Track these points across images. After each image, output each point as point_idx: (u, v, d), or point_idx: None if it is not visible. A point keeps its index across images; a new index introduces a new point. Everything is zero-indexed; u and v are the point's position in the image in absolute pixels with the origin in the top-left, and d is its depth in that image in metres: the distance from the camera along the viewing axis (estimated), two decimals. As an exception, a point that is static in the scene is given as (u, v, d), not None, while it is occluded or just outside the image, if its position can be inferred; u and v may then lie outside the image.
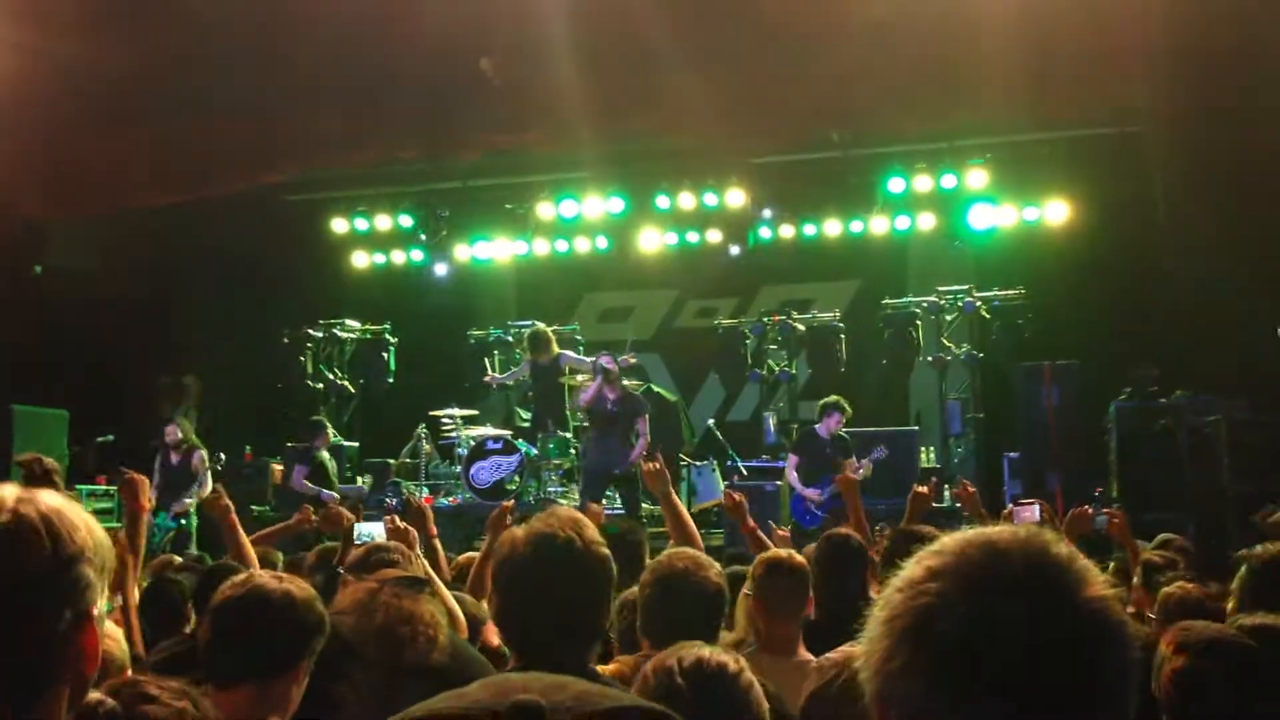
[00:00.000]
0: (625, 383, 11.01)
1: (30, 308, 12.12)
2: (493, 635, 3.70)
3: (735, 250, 13.49)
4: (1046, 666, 1.06)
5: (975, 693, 1.06)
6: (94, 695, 2.10)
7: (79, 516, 1.38)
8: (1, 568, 1.32)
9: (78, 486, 10.98)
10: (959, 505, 10.58)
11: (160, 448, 10.71)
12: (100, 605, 1.37)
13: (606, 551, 2.40)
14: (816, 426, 10.44)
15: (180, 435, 10.64)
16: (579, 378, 11.94)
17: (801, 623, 3.81)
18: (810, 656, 3.64)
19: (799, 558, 3.99)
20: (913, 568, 1.14)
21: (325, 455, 11.32)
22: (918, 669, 1.08)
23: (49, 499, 1.38)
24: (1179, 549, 5.61)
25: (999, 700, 1.05)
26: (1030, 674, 1.05)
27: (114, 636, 3.12)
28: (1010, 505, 10.08)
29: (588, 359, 11.28)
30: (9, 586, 1.32)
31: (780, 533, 6.08)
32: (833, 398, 10.47)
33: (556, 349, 11.81)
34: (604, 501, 10.78)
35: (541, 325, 12.15)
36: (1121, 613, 1.12)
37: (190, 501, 10.38)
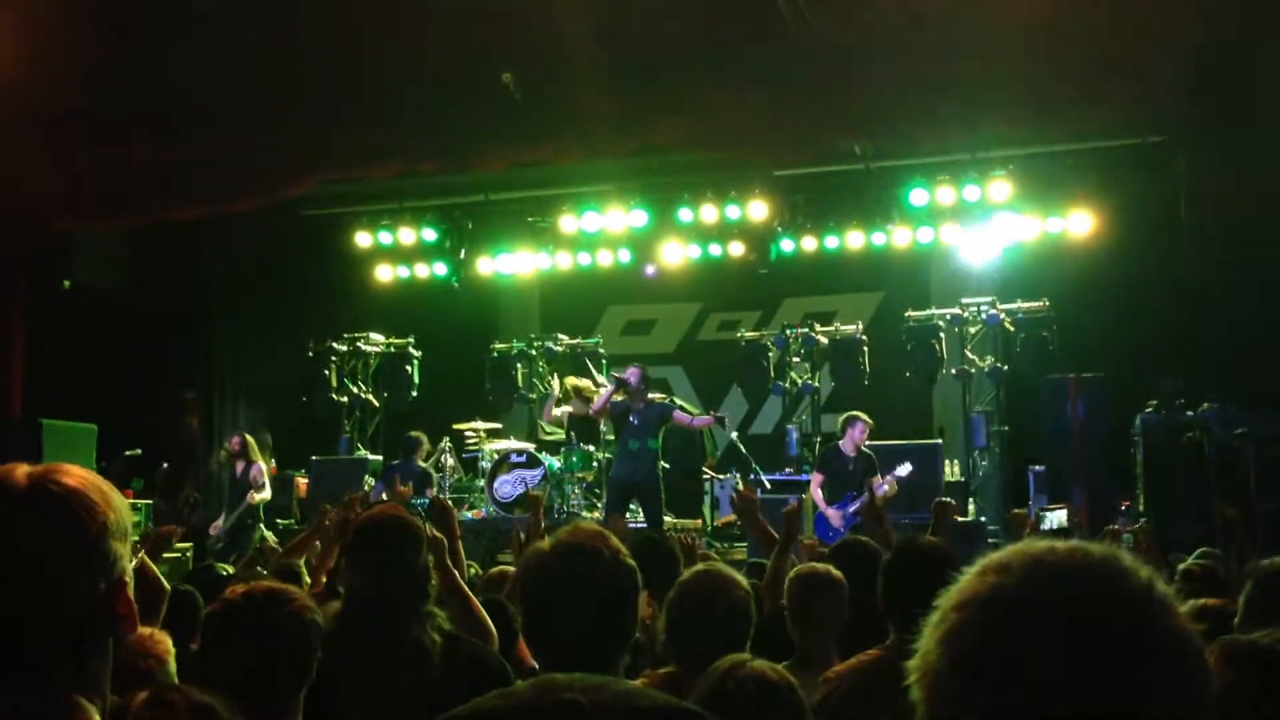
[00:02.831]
0: (652, 396, 10.98)
1: (59, 323, 12.23)
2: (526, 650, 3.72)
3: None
4: (1133, 686, 1.00)
5: (1050, 710, 1.00)
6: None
7: (99, 489, 1.44)
8: (31, 542, 1.38)
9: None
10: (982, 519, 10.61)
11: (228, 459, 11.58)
12: (129, 571, 1.45)
13: (633, 562, 2.42)
14: (840, 443, 10.37)
15: (243, 445, 11.37)
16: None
17: (837, 636, 3.81)
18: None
19: (835, 571, 3.98)
20: (973, 582, 1.09)
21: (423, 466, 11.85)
22: (982, 686, 1.03)
23: (72, 474, 1.44)
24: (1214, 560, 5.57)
25: (1074, 714, 1.00)
26: (1113, 694, 1.00)
27: (166, 650, 3.14)
28: (1037, 512, 10.09)
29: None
30: (38, 560, 1.38)
31: (806, 542, 6.04)
32: (852, 412, 10.39)
33: (586, 406, 11.69)
34: (627, 515, 10.77)
35: (569, 380, 12.08)
36: (1196, 628, 1.07)
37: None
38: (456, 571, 3.87)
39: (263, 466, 11.39)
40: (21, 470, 1.42)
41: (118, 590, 1.44)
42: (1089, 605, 1.03)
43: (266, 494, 11.35)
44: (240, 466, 11.34)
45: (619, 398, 10.57)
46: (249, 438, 11.48)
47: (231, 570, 6.02)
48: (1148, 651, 1.02)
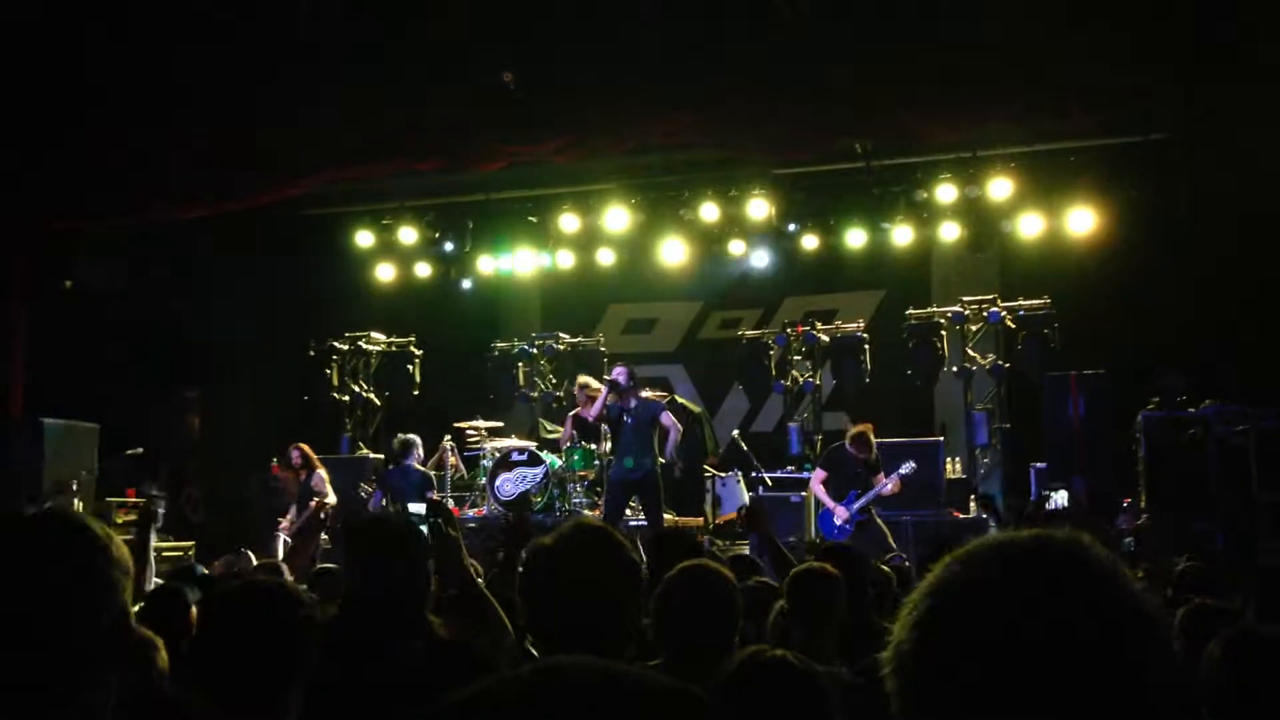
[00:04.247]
0: (645, 393, 10.95)
1: (60, 322, 12.24)
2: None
3: (761, 263, 13.47)
4: (1090, 662, 1.01)
5: (1016, 690, 1.01)
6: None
7: (102, 526, 1.54)
8: (50, 575, 1.46)
9: (107, 499, 11.10)
10: (984, 515, 10.62)
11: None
12: (129, 604, 1.53)
13: (635, 557, 2.44)
14: (845, 442, 10.37)
15: (303, 456, 11.19)
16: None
17: (836, 632, 3.84)
18: (842, 668, 3.67)
19: (832, 568, 4.04)
20: (942, 571, 1.11)
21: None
22: (950, 669, 1.04)
23: (75, 513, 1.55)
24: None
25: (1041, 697, 1.01)
26: (1072, 670, 1.01)
27: (154, 640, 3.15)
28: (1041, 493, 10.11)
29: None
30: (60, 590, 1.46)
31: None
32: (860, 429, 10.25)
33: (594, 406, 11.60)
34: (627, 512, 10.78)
35: (582, 378, 11.92)
36: (1162, 611, 1.09)
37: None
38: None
39: (324, 474, 11.21)
40: (30, 509, 1.52)
41: (121, 624, 1.49)
42: (1048, 588, 1.05)
43: (332, 498, 10.93)
44: (302, 476, 11.23)
45: (612, 399, 10.59)
46: (305, 447, 11.32)
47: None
48: (1107, 630, 1.03)
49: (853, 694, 2.84)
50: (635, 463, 10.33)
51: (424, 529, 3.61)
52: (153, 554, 4.47)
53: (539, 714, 0.92)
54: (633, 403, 10.49)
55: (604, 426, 11.43)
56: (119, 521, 10.13)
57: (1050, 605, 1.04)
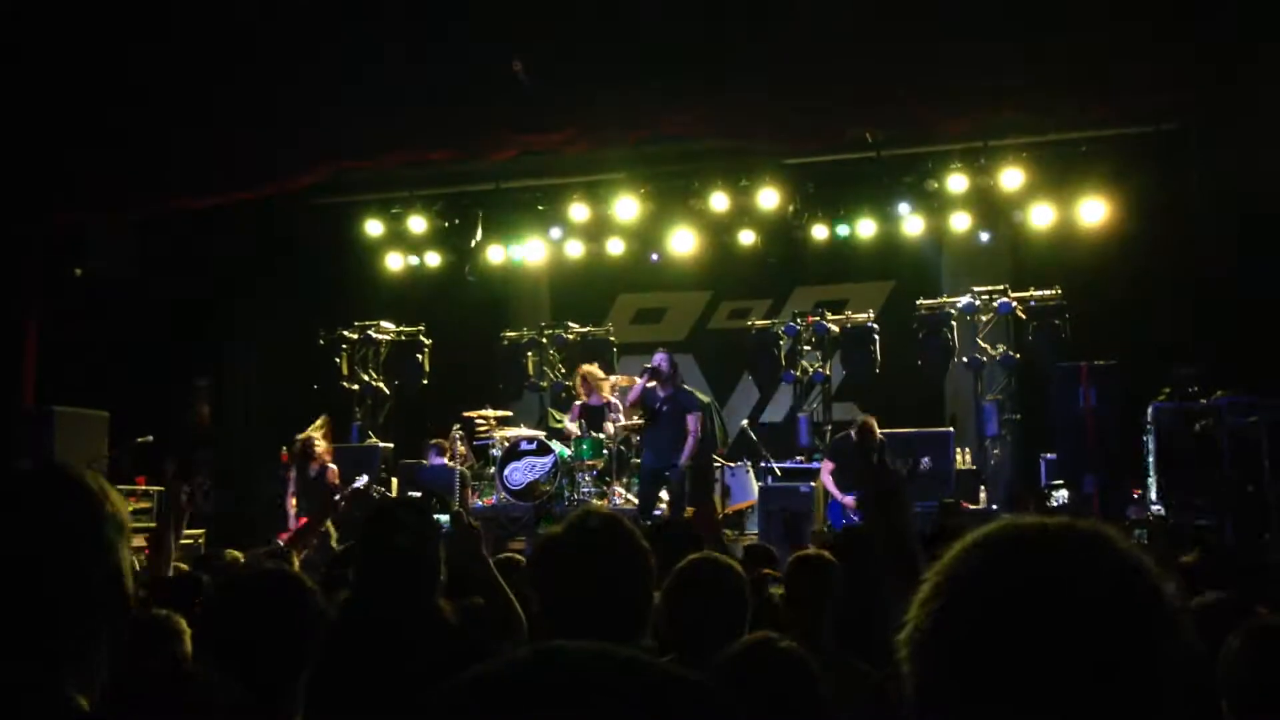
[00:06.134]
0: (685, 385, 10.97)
1: (70, 311, 12.26)
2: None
3: (771, 253, 13.47)
4: (1108, 652, 1.00)
5: (1032, 678, 1.00)
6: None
7: (98, 483, 1.53)
8: (35, 528, 1.46)
9: (117, 487, 11.12)
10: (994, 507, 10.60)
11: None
12: (126, 563, 1.50)
13: (646, 544, 2.44)
14: (851, 431, 10.36)
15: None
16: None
17: (830, 617, 3.85)
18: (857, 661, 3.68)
19: (827, 554, 4.06)
20: (959, 553, 1.10)
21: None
22: (966, 655, 1.03)
23: (72, 468, 1.53)
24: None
25: (1058, 686, 1.00)
26: (1089, 659, 1.00)
27: (181, 627, 3.16)
28: (1045, 490, 10.10)
29: (636, 382, 11.04)
30: (45, 543, 1.45)
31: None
32: (864, 420, 10.24)
33: (606, 393, 11.73)
34: (657, 502, 10.77)
35: (585, 367, 12.07)
36: (1182, 604, 1.07)
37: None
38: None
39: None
40: (25, 463, 1.51)
41: (114, 579, 1.46)
42: (1069, 576, 1.04)
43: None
44: (315, 468, 10.73)
45: (650, 384, 10.57)
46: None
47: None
48: (1126, 621, 1.02)
49: (864, 685, 2.84)
50: (666, 454, 10.35)
51: (440, 519, 3.61)
52: (172, 541, 4.48)
53: (540, 694, 0.92)
54: (670, 392, 10.48)
55: (609, 416, 11.45)
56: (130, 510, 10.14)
57: (1070, 594, 1.03)
